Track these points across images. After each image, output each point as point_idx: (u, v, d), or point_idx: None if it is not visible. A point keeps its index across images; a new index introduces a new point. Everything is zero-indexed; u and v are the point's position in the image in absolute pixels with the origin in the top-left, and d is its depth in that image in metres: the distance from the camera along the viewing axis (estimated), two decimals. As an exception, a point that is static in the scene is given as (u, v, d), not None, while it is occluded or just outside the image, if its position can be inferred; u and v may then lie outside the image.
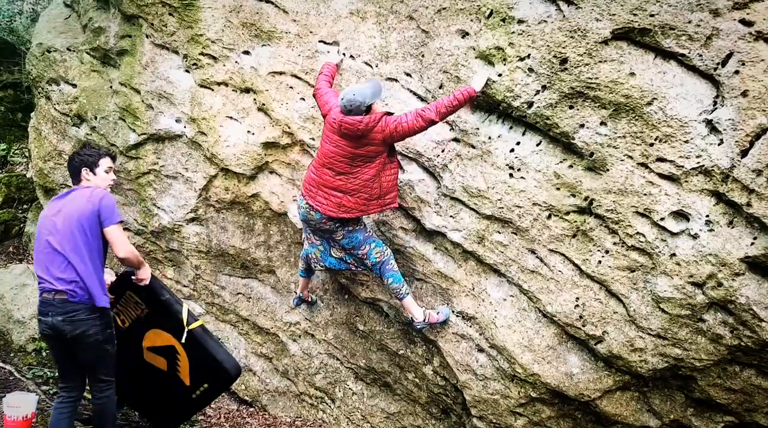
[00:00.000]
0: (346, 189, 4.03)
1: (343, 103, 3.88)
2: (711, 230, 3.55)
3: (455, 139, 4.28)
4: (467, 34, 4.11)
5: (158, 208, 5.67)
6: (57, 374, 4.47)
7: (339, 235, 4.30)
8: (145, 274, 3.86)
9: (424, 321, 4.34)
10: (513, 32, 3.88)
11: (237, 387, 5.92)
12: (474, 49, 4.07)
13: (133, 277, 3.89)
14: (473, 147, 4.18)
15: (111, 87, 5.78)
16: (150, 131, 5.52)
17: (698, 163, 3.53)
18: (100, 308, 3.60)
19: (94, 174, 3.79)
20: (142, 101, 5.50)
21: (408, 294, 4.38)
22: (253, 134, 5.06)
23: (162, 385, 4.31)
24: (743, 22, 3.36)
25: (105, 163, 3.85)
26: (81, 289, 3.51)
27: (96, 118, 5.82)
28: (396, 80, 4.46)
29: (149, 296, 4.03)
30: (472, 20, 4.08)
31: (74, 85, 6.00)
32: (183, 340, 4.01)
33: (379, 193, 4.06)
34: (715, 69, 3.45)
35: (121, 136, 5.70)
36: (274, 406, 5.80)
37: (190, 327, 4.03)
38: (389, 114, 3.95)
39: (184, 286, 5.95)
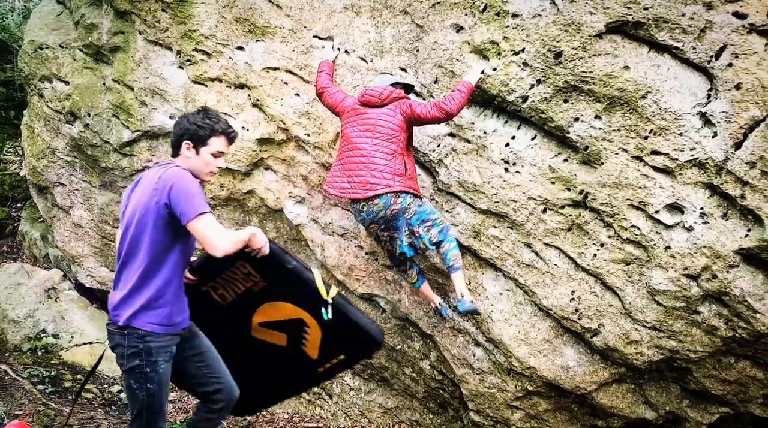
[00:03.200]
0: (371, 164, 3.89)
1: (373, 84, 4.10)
2: (705, 222, 3.56)
3: (451, 134, 4.28)
4: (462, 28, 4.11)
5: (153, 205, 5.64)
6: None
7: (411, 213, 3.99)
8: (260, 242, 2.98)
9: (471, 300, 3.97)
10: (507, 26, 3.88)
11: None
12: (469, 44, 4.07)
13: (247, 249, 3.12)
14: (468, 142, 4.18)
15: (104, 84, 5.75)
16: (144, 128, 5.49)
17: (692, 155, 3.54)
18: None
19: (197, 152, 2.94)
20: (136, 98, 5.47)
21: (460, 268, 4.04)
22: (247, 130, 5.05)
23: (277, 363, 3.71)
24: (736, 14, 3.37)
25: (217, 143, 2.95)
26: None
27: (89, 115, 5.79)
28: (391, 75, 4.45)
29: (268, 266, 3.29)
30: (466, 14, 4.07)
31: (67, 82, 5.97)
32: (329, 313, 3.36)
33: (404, 171, 3.93)
34: (709, 62, 3.46)
35: (114, 133, 5.67)
36: (270, 403, 5.80)
37: (331, 295, 3.38)
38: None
39: (180, 283, 5.93)
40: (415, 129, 4.19)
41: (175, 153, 2.98)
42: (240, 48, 5.01)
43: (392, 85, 4.04)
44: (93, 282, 6.45)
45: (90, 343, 6.38)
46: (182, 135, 2.93)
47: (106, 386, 5.83)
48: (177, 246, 2.90)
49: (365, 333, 3.48)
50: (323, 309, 3.35)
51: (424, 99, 4.36)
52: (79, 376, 5.80)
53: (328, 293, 3.35)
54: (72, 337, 6.37)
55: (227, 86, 5.12)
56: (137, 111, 5.49)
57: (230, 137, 3.00)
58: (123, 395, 5.71)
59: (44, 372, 5.52)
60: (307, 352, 3.60)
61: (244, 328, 3.59)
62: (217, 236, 2.72)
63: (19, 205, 8.10)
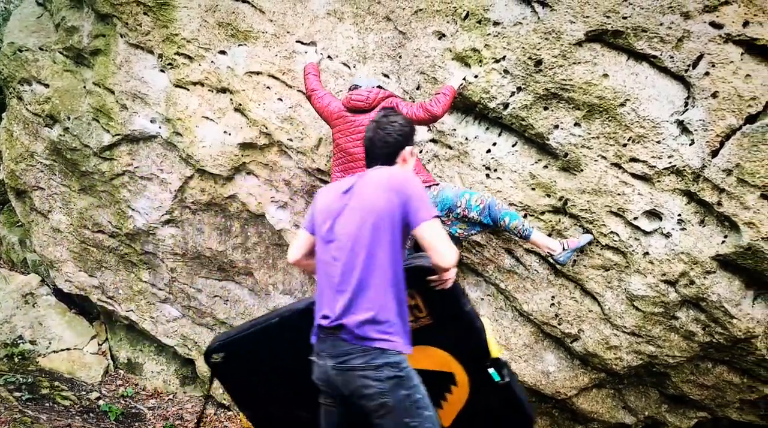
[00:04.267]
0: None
1: (355, 77, 4.11)
2: (683, 229, 3.61)
3: (433, 140, 4.29)
4: (444, 35, 4.13)
5: (133, 209, 5.59)
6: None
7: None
8: (453, 272, 2.60)
9: (564, 250, 3.77)
10: (489, 34, 3.91)
11: (214, 391, 5.86)
12: (450, 51, 4.09)
13: (431, 277, 2.63)
14: (450, 148, 4.20)
15: (84, 87, 5.69)
16: (124, 132, 5.44)
17: (670, 163, 3.59)
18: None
19: (412, 154, 2.76)
20: (117, 101, 5.42)
21: (533, 228, 3.78)
22: (229, 135, 5.02)
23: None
24: (713, 24, 3.43)
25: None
26: None
27: (69, 118, 5.72)
28: (381, 87, 4.46)
29: (442, 303, 2.79)
30: (448, 22, 4.10)
31: (47, 85, 5.90)
32: (501, 375, 2.80)
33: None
34: (686, 70, 3.51)
35: (94, 136, 5.61)
36: (252, 409, 5.75)
37: (499, 354, 2.85)
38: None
39: (160, 289, 5.87)
40: None
41: (390, 162, 2.67)
42: (222, 52, 4.99)
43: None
44: (71, 287, 6.36)
45: (68, 349, 6.29)
46: (397, 146, 2.67)
47: (83, 393, 5.75)
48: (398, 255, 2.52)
49: (521, 408, 2.89)
50: (491, 370, 2.81)
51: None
52: (56, 383, 5.71)
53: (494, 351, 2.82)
54: (50, 343, 6.28)
55: (209, 90, 5.09)
56: (118, 114, 5.44)
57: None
58: (101, 402, 5.64)
59: (21, 379, 5.42)
60: (439, 415, 2.84)
61: None
62: (449, 244, 2.42)
63: (-4, 209, 7.98)
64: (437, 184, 3.88)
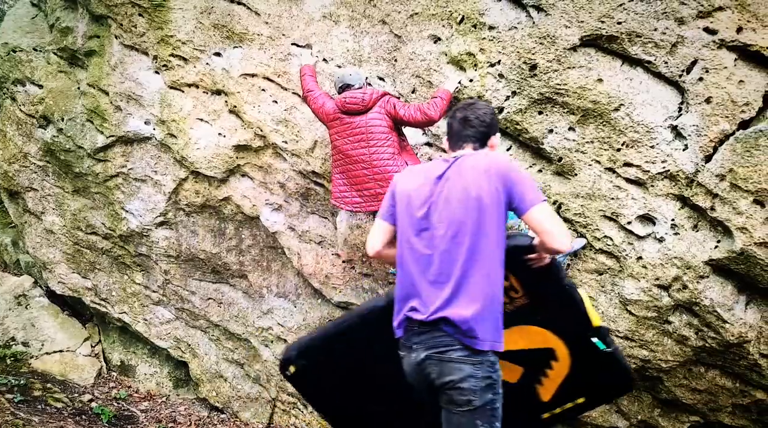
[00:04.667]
0: (376, 175, 3.87)
1: (341, 73, 4.10)
2: (676, 234, 3.62)
3: (428, 144, 4.29)
4: (439, 39, 4.13)
5: (126, 211, 5.57)
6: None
7: None
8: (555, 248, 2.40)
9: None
10: (484, 38, 3.92)
11: (208, 393, 5.84)
12: (446, 55, 4.09)
13: (530, 255, 2.55)
14: (445, 151, 4.20)
15: (78, 88, 5.67)
16: (118, 133, 5.42)
17: (664, 167, 3.60)
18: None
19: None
20: (111, 103, 5.41)
21: (528, 230, 3.73)
22: (224, 136, 5.01)
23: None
24: (707, 30, 3.44)
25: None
26: None
27: (63, 119, 5.70)
28: (369, 85, 4.46)
29: (540, 280, 2.68)
30: (443, 26, 4.10)
31: (41, 86, 5.88)
32: (606, 343, 2.77)
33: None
34: (680, 76, 3.52)
35: (88, 138, 5.59)
36: (245, 412, 5.74)
37: (600, 323, 2.80)
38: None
39: (153, 292, 5.86)
40: None
41: (482, 143, 2.58)
42: (217, 54, 4.98)
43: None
44: (64, 289, 6.34)
45: (60, 351, 6.26)
46: (491, 128, 2.58)
47: (76, 395, 5.72)
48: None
49: (622, 371, 2.88)
50: (594, 339, 2.76)
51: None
52: (49, 385, 5.69)
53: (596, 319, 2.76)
54: (42, 345, 6.25)
55: (204, 92, 5.08)
56: (112, 116, 5.42)
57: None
58: (94, 404, 5.61)
59: (13, 381, 5.39)
60: (538, 392, 2.93)
61: None
62: (563, 226, 2.33)
63: (-11, 209, 7.94)
64: None
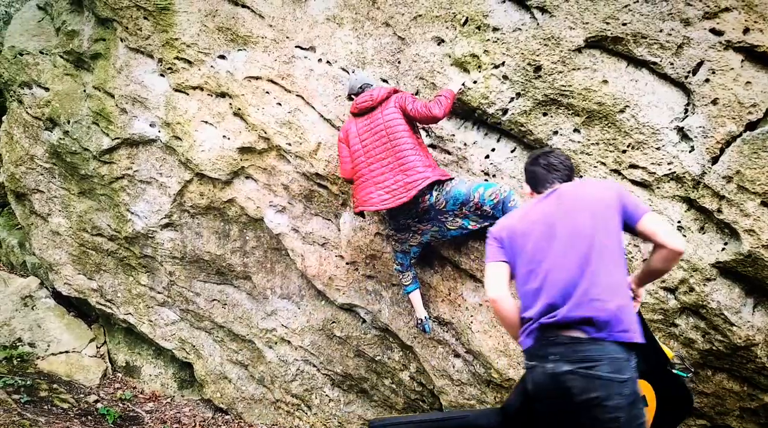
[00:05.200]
0: (399, 166, 3.88)
1: (360, 76, 4.19)
2: (683, 236, 3.59)
3: (432, 145, 4.28)
4: (443, 41, 4.12)
5: (132, 213, 5.59)
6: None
7: (441, 203, 3.93)
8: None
9: None
10: (488, 40, 3.90)
11: (213, 394, 5.85)
12: (449, 56, 4.08)
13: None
14: (449, 153, 4.19)
15: (84, 91, 5.69)
16: (124, 135, 5.44)
17: (670, 169, 3.57)
18: None
19: None
20: (116, 105, 5.42)
21: None
22: (228, 139, 5.02)
23: None
24: (713, 31, 3.41)
25: None
26: None
27: (69, 122, 5.73)
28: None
29: None
30: (447, 27, 4.09)
31: (47, 89, 5.91)
32: (685, 369, 2.88)
33: (430, 161, 3.91)
34: (686, 77, 3.49)
35: (94, 140, 5.61)
36: (249, 414, 5.74)
37: (672, 355, 2.88)
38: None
39: (158, 293, 5.87)
40: None
41: (570, 180, 2.78)
42: (222, 57, 4.99)
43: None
44: (70, 290, 6.36)
45: (66, 352, 6.29)
46: (573, 171, 2.80)
47: (82, 396, 5.74)
48: None
49: (687, 396, 2.93)
50: (676, 371, 2.82)
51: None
52: (55, 385, 5.71)
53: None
54: (48, 346, 6.28)
55: (208, 94, 5.09)
56: (117, 118, 5.44)
57: None
58: (99, 405, 5.63)
59: (20, 382, 5.42)
60: None
61: None
62: (674, 230, 2.50)
63: (-3, 211, 7.98)
64: (452, 179, 3.90)
